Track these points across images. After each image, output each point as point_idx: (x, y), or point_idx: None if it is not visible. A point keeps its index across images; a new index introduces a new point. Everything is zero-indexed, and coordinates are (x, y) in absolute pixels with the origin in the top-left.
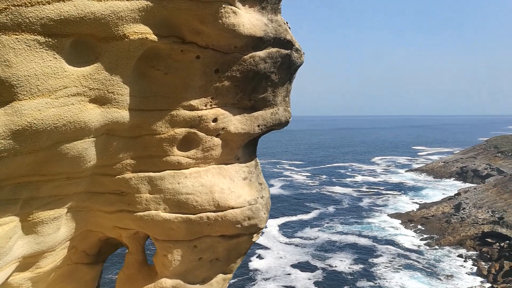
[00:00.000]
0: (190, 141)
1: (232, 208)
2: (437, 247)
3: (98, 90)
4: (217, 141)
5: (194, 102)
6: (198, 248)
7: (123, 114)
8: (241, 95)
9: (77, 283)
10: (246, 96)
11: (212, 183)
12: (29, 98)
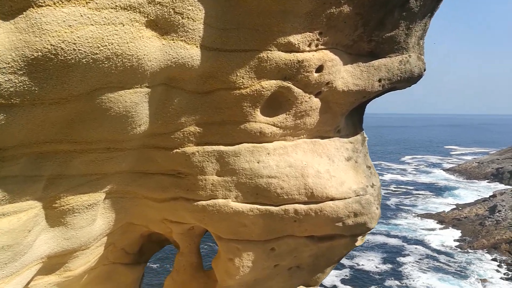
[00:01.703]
0: (280, 101)
1: (332, 199)
2: (469, 250)
3: (160, 6)
4: (316, 102)
5: (294, 39)
6: (275, 252)
7: (192, 53)
8: (360, 32)
9: (116, 286)
10: (366, 34)
11: (304, 163)
12: (54, 4)
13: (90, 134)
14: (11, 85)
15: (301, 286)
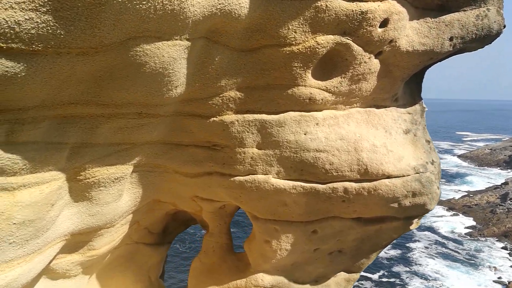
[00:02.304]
0: (335, 61)
1: (389, 177)
2: (479, 237)
3: None
4: (375, 64)
5: None
6: (317, 235)
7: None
8: None
9: (139, 268)
10: None
11: (358, 136)
12: None
13: (120, 95)
14: (32, 25)
15: (342, 272)
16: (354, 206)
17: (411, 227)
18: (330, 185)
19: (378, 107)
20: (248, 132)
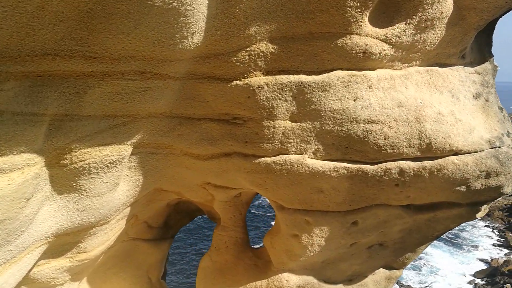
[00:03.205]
0: (399, 1)
1: (457, 153)
2: None
3: None
4: (449, 6)
5: None
6: (358, 227)
7: None
8: None
9: (136, 268)
10: None
11: (420, 102)
12: None
13: (118, 43)
14: None
15: (381, 268)
16: (409, 191)
17: (477, 215)
18: (382, 165)
19: (441, 65)
20: (280, 99)
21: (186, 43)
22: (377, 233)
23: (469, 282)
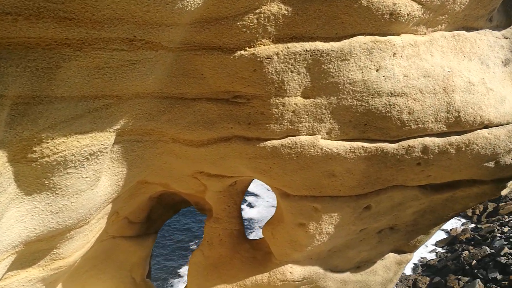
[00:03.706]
0: None
1: (488, 125)
2: None
3: None
4: None
5: None
6: (371, 211)
7: None
8: None
9: (118, 268)
10: None
11: (447, 70)
12: None
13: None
14: None
15: (391, 253)
16: (431, 170)
17: (502, 192)
18: (404, 143)
19: (467, 29)
20: (292, 71)
21: (187, 1)
22: (390, 216)
23: (431, 251)
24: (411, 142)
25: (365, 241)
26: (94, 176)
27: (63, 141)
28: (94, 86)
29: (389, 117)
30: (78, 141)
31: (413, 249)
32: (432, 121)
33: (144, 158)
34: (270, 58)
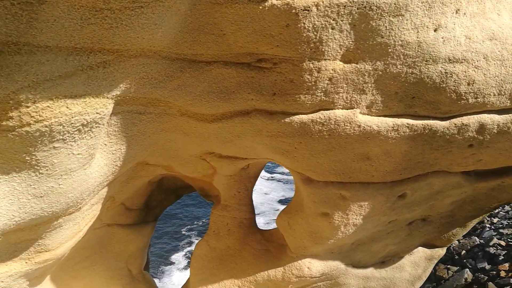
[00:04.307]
0: None
1: None
2: None
3: None
4: None
5: None
6: (405, 200)
7: None
8: None
9: (114, 259)
10: None
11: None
12: None
13: None
14: None
15: (421, 248)
16: (484, 153)
17: None
18: (457, 120)
19: None
20: (334, 28)
21: None
22: (425, 206)
23: None
24: (465, 119)
25: (393, 234)
26: (87, 153)
27: (48, 106)
28: (89, 35)
29: (443, 88)
30: (67, 107)
31: (446, 243)
32: (494, 94)
33: (146, 134)
34: (308, 10)
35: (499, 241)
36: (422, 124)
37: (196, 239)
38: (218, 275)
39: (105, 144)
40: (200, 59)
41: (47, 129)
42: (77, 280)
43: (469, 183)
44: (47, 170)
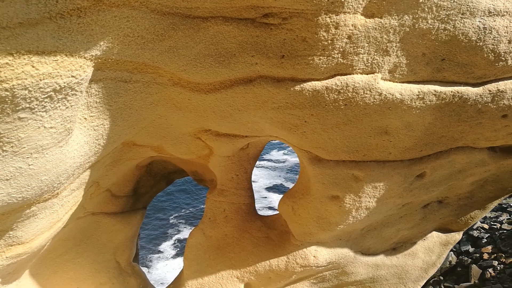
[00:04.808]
0: None
1: None
2: None
3: None
4: None
5: None
6: (424, 181)
7: None
8: None
9: (100, 251)
10: None
11: None
12: None
13: None
14: None
15: (435, 232)
16: None
17: None
18: (492, 86)
19: None
20: None
21: None
22: (444, 187)
23: None
24: (502, 85)
25: (407, 218)
26: (63, 127)
27: (7, 64)
28: None
29: (479, 47)
30: (33, 66)
31: (462, 227)
32: None
33: (133, 108)
34: None
35: (483, 224)
36: (451, 92)
37: (185, 227)
38: (215, 266)
39: (84, 118)
40: (195, 13)
41: (8, 93)
42: (59, 274)
43: (494, 160)
44: (12, 146)
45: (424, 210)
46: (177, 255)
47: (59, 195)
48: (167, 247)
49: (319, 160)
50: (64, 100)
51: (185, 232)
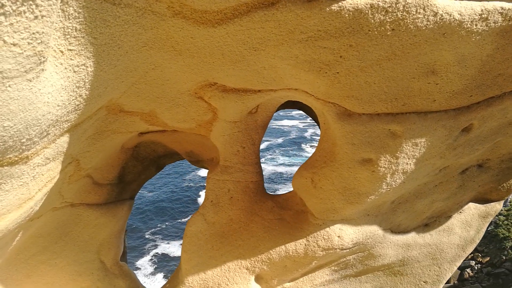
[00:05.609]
0: None
1: None
2: None
3: None
4: None
5: None
6: (470, 136)
7: None
8: None
9: (81, 249)
10: None
11: None
12: None
13: None
14: None
15: (472, 204)
16: None
17: None
18: None
19: None
20: None
21: None
22: (490, 145)
23: None
24: None
25: (442, 186)
26: (31, 49)
27: None
28: None
29: None
30: None
31: (504, 195)
32: None
33: (122, 48)
34: None
35: None
36: None
37: (162, 242)
38: (219, 257)
39: (61, 52)
40: None
41: None
42: (32, 279)
43: None
44: None
45: (462, 176)
46: (156, 271)
47: (30, 161)
48: (144, 263)
49: (349, 115)
50: (31, 2)
51: (163, 246)
